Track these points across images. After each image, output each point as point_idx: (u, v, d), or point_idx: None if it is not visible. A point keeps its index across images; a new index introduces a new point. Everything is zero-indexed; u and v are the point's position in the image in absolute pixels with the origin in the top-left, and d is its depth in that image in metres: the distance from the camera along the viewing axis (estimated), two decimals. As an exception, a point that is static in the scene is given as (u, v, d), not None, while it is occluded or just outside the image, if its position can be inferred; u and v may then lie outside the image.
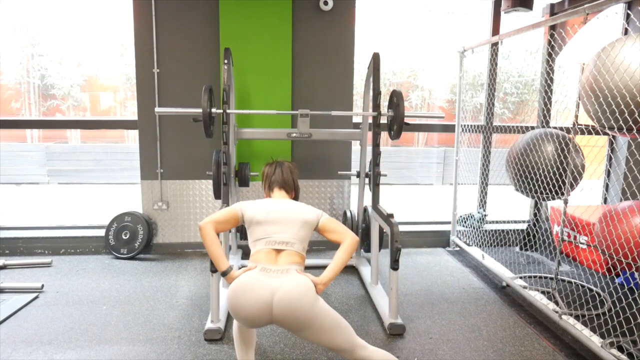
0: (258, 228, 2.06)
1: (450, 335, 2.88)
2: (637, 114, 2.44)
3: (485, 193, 4.83)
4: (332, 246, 4.42)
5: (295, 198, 2.35)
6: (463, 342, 2.79)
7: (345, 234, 2.07)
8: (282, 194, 2.27)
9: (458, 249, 4.61)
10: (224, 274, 1.98)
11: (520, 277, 3.62)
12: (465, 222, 4.74)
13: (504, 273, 3.62)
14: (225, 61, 3.27)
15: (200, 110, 3.14)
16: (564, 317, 2.81)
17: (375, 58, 3.41)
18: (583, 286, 3.62)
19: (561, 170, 3.25)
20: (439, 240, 4.75)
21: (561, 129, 3.72)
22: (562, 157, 3.25)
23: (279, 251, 2.02)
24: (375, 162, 3.36)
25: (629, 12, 3.91)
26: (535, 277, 3.80)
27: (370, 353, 2.00)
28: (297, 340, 2.76)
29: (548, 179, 3.32)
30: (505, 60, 8.53)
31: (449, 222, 4.73)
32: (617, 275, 3.75)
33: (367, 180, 3.77)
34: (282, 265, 1.96)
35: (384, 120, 3.39)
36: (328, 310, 1.95)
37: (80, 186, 9.80)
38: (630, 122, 2.48)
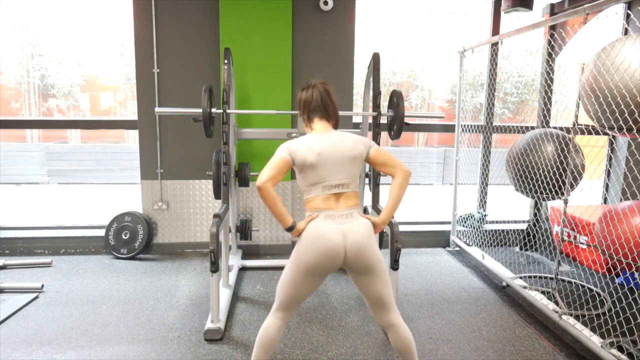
0: (311, 172, 1.98)
1: (450, 335, 2.88)
2: (637, 114, 2.44)
3: (485, 193, 4.83)
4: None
5: (336, 124, 2.16)
6: (463, 342, 2.79)
7: (396, 168, 2.02)
8: (324, 125, 2.09)
9: (458, 249, 4.61)
10: (290, 228, 1.97)
11: (520, 277, 3.62)
12: (465, 222, 4.74)
13: (504, 273, 3.62)
14: (225, 61, 3.27)
15: (200, 110, 3.14)
16: (564, 317, 2.81)
17: (375, 58, 3.41)
18: (583, 286, 3.62)
19: (561, 170, 3.25)
20: (439, 240, 4.75)
21: (561, 129, 3.72)
22: (562, 157, 3.25)
23: (336, 195, 1.99)
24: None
25: (629, 12, 3.91)
26: (535, 277, 3.80)
27: (401, 324, 2.05)
28: (297, 340, 2.76)
29: (548, 179, 3.32)
30: (505, 60, 8.53)
31: (449, 222, 4.73)
32: (617, 275, 3.75)
33: (367, 180, 3.77)
34: (344, 210, 1.97)
35: (384, 120, 3.39)
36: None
37: (80, 186, 9.80)
38: (630, 122, 2.48)
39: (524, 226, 4.74)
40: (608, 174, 4.61)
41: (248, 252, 4.33)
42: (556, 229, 4.26)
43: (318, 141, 2.00)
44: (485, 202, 4.83)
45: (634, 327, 2.71)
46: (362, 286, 2.02)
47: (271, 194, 1.91)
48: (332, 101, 2.11)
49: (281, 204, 1.96)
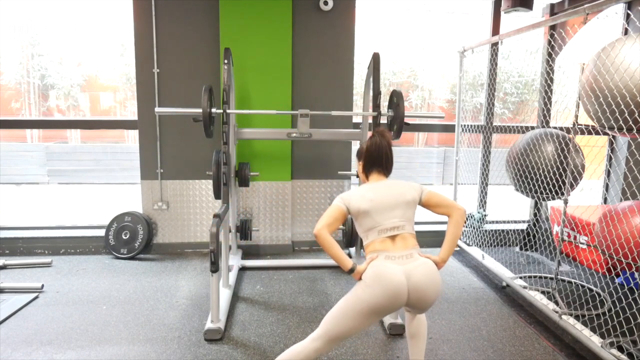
0: (366, 218, 2.03)
1: (450, 335, 2.88)
2: (637, 114, 2.44)
3: (485, 193, 4.83)
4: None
5: (389, 174, 2.21)
6: (463, 342, 2.79)
7: (451, 207, 2.09)
8: (379, 177, 2.15)
9: (458, 249, 4.60)
10: (351, 270, 1.99)
11: (520, 277, 3.62)
12: (465, 222, 4.74)
13: (504, 273, 3.62)
14: (225, 61, 3.27)
15: (200, 110, 3.14)
16: (564, 317, 2.81)
17: (375, 58, 3.41)
18: (583, 286, 3.62)
19: (561, 170, 3.24)
20: (439, 240, 4.68)
21: (561, 129, 3.72)
22: (562, 157, 3.25)
23: (393, 237, 2.01)
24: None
25: (629, 12, 3.91)
26: (535, 277, 3.80)
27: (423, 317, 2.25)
28: (297, 340, 2.76)
29: (548, 179, 3.32)
30: (505, 60, 8.53)
31: (449, 222, 4.72)
32: (617, 275, 3.75)
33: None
34: (403, 251, 1.98)
35: (384, 120, 3.39)
36: None
37: (80, 186, 9.80)
38: (630, 122, 2.48)
39: (524, 226, 4.74)
40: (608, 174, 4.60)
41: (248, 252, 4.33)
42: (556, 229, 4.26)
43: (370, 190, 2.07)
44: (485, 202, 4.83)
45: (634, 327, 2.71)
46: (418, 313, 2.16)
47: (328, 239, 1.96)
48: (392, 155, 2.17)
49: (339, 249, 1.99)
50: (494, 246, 4.55)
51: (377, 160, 2.13)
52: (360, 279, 1.96)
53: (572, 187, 3.20)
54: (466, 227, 4.70)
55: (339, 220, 2.02)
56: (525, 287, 3.32)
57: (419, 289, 1.91)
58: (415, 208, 2.10)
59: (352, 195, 2.06)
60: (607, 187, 4.64)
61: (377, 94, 3.31)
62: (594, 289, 3.54)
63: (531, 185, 3.45)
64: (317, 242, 1.98)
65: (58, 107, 10.79)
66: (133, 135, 9.84)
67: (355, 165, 2.25)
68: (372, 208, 2.01)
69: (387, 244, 1.99)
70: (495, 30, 4.56)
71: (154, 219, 4.33)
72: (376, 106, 3.31)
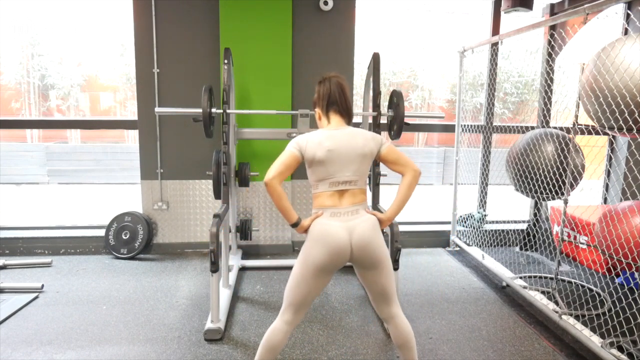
0: (320, 168, 1.98)
1: (450, 335, 2.88)
2: (637, 114, 2.44)
3: (485, 193, 4.83)
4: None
5: (350, 120, 2.12)
6: (463, 342, 2.79)
7: (406, 167, 2.03)
8: (338, 120, 2.06)
9: (458, 249, 4.61)
10: (295, 224, 2.00)
11: (520, 277, 3.62)
12: (465, 222, 4.74)
13: (504, 273, 3.62)
14: (225, 61, 3.27)
15: (200, 110, 3.14)
16: (564, 317, 2.81)
17: (375, 58, 3.41)
18: (583, 286, 3.62)
19: (561, 170, 3.25)
20: (439, 240, 4.74)
21: (561, 129, 3.72)
22: (562, 157, 3.25)
23: (342, 192, 1.99)
24: (375, 162, 3.35)
25: (629, 12, 3.91)
26: (535, 277, 3.80)
27: (402, 317, 2.09)
28: (297, 340, 2.76)
29: (548, 179, 3.32)
30: (505, 60, 8.52)
31: (449, 222, 4.73)
32: (617, 275, 3.75)
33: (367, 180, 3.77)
34: (349, 207, 1.98)
35: (384, 120, 3.39)
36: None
37: (80, 186, 9.80)
38: (630, 122, 2.48)
39: (524, 226, 4.74)
40: (608, 174, 4.60)
41: (248, 252, 4.33)
42: (556, 229, 4.26)
43: (329, 137, 1.99)
44: (485, 202, 4.83)
45: (634, 327, 2.71)
46: (366, 280, 2.04)
47: (277, 190, 1.94)
48: (346, 96, 2.08)
49: (287, 201, 2.00)
50: (494, 246, 4.55)
51: (332, 99, 2.04)
52: (305, 232, 1.99)
53: (572, 187, 3.20)
54: (466, 227, 4.70)
55: (292, 168, 1.99)
56: (525, 287, 3.32)
57: (360, 245, 1.92)
58: (371, 161, 2.05)
59: (308, 141, 1.98)
60: (607, 187, 4.64)
61: (377, 94, 3.31)
62: (594, 289, 3.54)
63: (531, 185, 3.45)
64: (267, 191, 1.95)
65: (58, 107, 10.79)
66: (133, 135, 9.84)
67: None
68: (328, 158, 1.96)
69: (334, 199, 1.98)
70: (495, 30, 4.57)
71: (154, 219, 4.33)
72: (376, 106, 3.31)
